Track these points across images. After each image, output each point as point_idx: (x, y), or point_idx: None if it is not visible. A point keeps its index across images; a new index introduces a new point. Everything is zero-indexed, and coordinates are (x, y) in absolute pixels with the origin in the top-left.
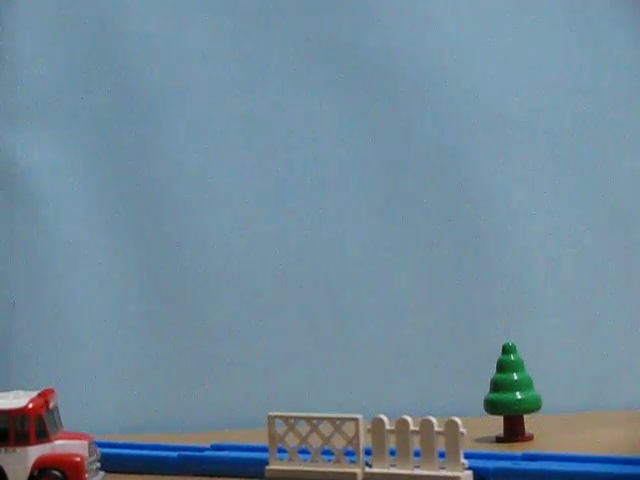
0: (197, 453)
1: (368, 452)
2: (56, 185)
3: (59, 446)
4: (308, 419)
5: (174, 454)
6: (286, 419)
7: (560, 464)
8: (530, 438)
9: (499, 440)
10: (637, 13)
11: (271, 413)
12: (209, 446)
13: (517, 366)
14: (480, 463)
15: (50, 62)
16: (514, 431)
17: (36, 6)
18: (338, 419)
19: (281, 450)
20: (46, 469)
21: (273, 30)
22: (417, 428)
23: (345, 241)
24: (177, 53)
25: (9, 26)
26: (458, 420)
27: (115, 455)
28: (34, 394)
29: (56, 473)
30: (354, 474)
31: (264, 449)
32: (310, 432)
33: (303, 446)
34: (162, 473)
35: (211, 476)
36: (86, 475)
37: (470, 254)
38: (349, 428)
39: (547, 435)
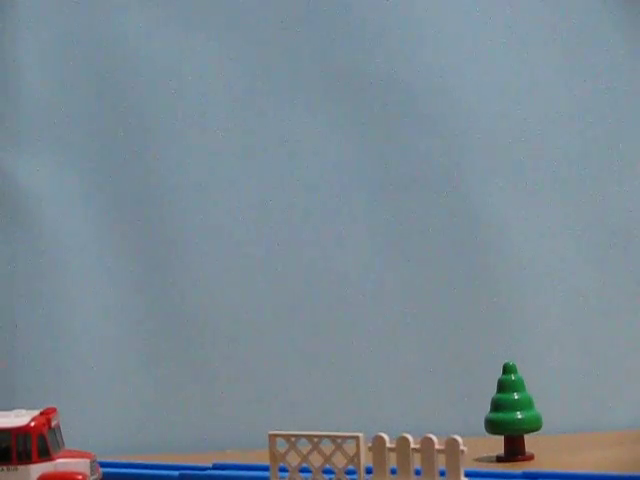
0: (199, 472)
1: (369, 470)
2: (57, 206)
3: (61, 464)
4: (309, 437)
5: (175, 473)
6: (287, 438)
7: None
8: (531, 458)
9: (500, 460)
10: (638, 33)
11: (272, 432)
12: (211, 465)
13: (518, 386)
14: None
15: (52, 84)
16: (515, 451)
17: (39, 29)
18: (339, 437)
19: (282, 469)
20: None
21: (273, 49)
22: (418, 446)
23: (345, 260)
24: (177, 71)
25: (12, 48)
26: (458, 438)
27: (116, 474)
28: (36, 413)
29: None
30: None
31: (265, 468)
32: (311, 450)
33: (304, 465)
34: None
35: None
36: None
37: (470, 274)
38: (350, 446)
39: (548, 455)
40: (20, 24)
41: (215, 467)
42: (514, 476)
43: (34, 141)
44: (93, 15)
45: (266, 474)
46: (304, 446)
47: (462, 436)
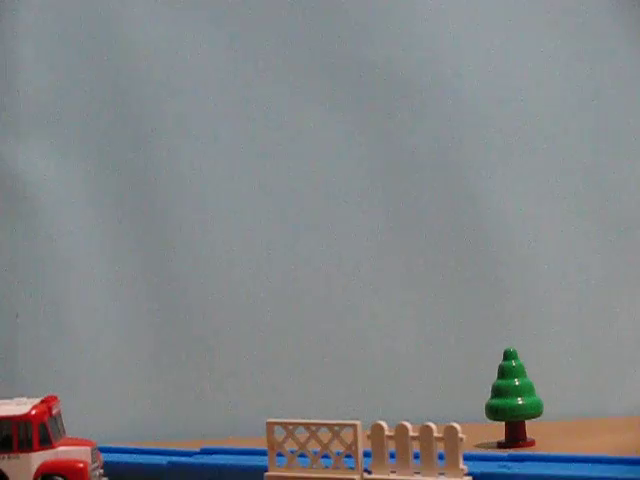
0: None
1: (367, 458)
2: (58, 196)
3: (62, 452)
4: (307, 425)
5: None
6: (285, 425)
7: (547, 465)
8: (532, 444)
9: (500, 446)
10: (638, 22)
11: (270, 420)
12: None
13: (518, 372)
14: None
15: (53, 73)
16: (515, 437)
17: (39, 17)
18: (337, 425)
19: (279, 456)
20: (49, 475)
21: (271, 34)
22: (416, 434)
23: (343, 246)
24: (176, 58)
25: (11, 35)
26: (457, 425)
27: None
28: (37, 401)
29: (59, 479)
30: None
31: (253, 452)
32: (309, 438)
33: (302, 452)
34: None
35: None
36: None
37: (471, 260)
38: (348, 434)
39: (549, 441)
40: (19, 12)
41: (203, 451)
42: (501, 458)
43: (33, 129)
44: (92, 2)
45: (254, 458)
46: (301, 434)
47: (462, 422)
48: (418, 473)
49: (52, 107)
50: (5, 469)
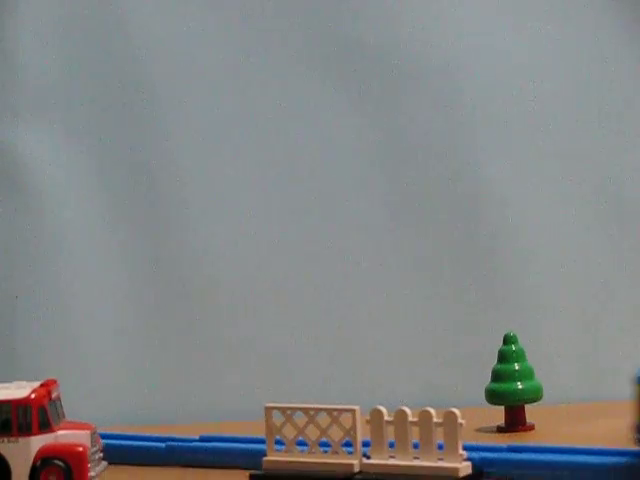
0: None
1: (367, 444)
2: (57, 179)
3: (62, 436)
4: (305, 410)
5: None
6: (283, 410)
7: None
8: (531, 428)
9: (500, 430)
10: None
11: (268, 404)
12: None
13: (518, 356)
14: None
15: (52, 56)
16: (515, 421)
17: (39, 0)
18: (335, 410)
19: (278, 442)
20: (49, 459)
21: (273, 17)
22: (416, 419)
23: (345, 229)
24: (179, 48)
25: (12, 20)
26: (456, 411)
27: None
28: (37, 384)
29: (59, 463)
30: (351, 465)
31: (249, 440)
32: (307, 423)
33: (300, 438)
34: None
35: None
36: (89, 465)
37: (471, 244)
38: (347, 419)
39: (548, 425)
40: None
41: (202, 439)
42: (499, 449)
43: (34, 113)
44: None
45: (251, 446)
46: (300, 419)
47: (462, 407)
48: (417, 458)
49: (52, 91)
50: (4, 453)
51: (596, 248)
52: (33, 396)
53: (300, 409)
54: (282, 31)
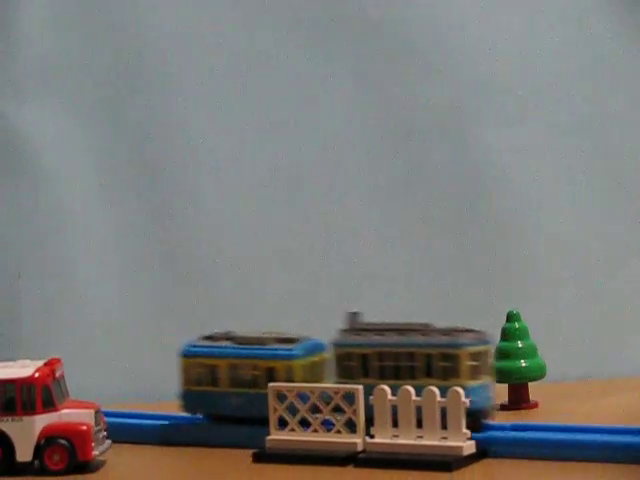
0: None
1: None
2: (61, 156)
3: (66, 415)
4: (309, 389)
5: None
6: (287, 390)
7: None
8: (535, 406)
9: (503, 408)
10: None
11: (272, 384)
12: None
13: (521, 334)
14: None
15: (56, 33)
16: (519, 399)
17: None
18: (339, 390)
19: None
20: (53, 438)
21: (282, 3)
22: (419, 398)
23: (346, 207)
24: (184, 23)
25: None
26: (460, 390)
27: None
28: (40, 363)
29: (63, 442)
30: (354, 444)
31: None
32: (311, 403)
33: (304, 417)
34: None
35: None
36: (93, 444)
37: (473, 221)
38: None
39: (552, 403)
40: None
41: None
42: (503, 428)
43: (37, 90)
44: None
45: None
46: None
47: None
48: (421, 437)
49: (55, 68)
50: (8, 432)
51: (600, 222)
52: (37, 375)
53: (304, 388)
54: (283, 9)
